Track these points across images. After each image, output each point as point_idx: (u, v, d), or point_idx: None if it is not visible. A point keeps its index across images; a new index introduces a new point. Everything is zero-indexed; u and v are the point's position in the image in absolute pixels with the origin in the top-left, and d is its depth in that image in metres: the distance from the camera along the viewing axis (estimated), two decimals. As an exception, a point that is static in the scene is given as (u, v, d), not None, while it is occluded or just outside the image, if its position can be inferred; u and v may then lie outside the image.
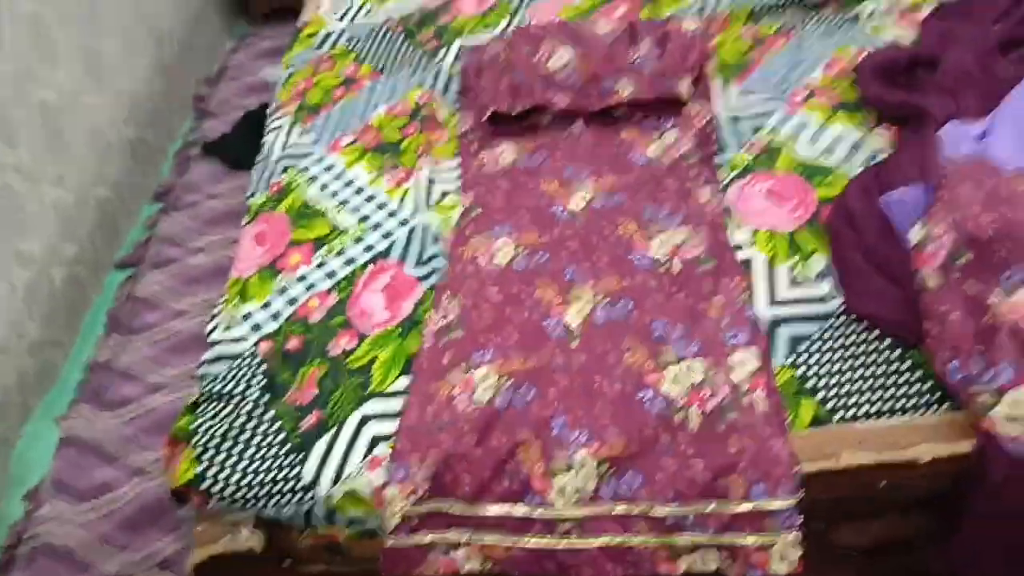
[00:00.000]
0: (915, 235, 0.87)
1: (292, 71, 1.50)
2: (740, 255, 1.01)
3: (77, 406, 1.58)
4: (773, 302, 0.96)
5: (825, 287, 0.96)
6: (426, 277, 1.04)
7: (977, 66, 1.18)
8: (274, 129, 1.36)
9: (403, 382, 0.93)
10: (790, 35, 1.35)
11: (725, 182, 1.12)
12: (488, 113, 1.22)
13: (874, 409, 0.86)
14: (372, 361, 0.95)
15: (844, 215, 1.01)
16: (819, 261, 0.99)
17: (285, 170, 1.25)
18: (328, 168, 1.24)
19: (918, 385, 0.87)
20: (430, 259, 1.06)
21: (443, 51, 1.46)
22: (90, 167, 1.81)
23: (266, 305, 1.04)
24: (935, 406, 0.86)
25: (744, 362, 0.89)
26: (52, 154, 1.65)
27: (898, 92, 1.16)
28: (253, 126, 2.00)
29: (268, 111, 1.46)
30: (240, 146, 2.23)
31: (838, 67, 1.27)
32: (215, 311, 1.09)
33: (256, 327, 1.02)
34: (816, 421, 0.86)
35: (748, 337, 0.91)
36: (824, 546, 0.98)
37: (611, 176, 1.15)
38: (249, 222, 1.19)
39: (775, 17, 1.40)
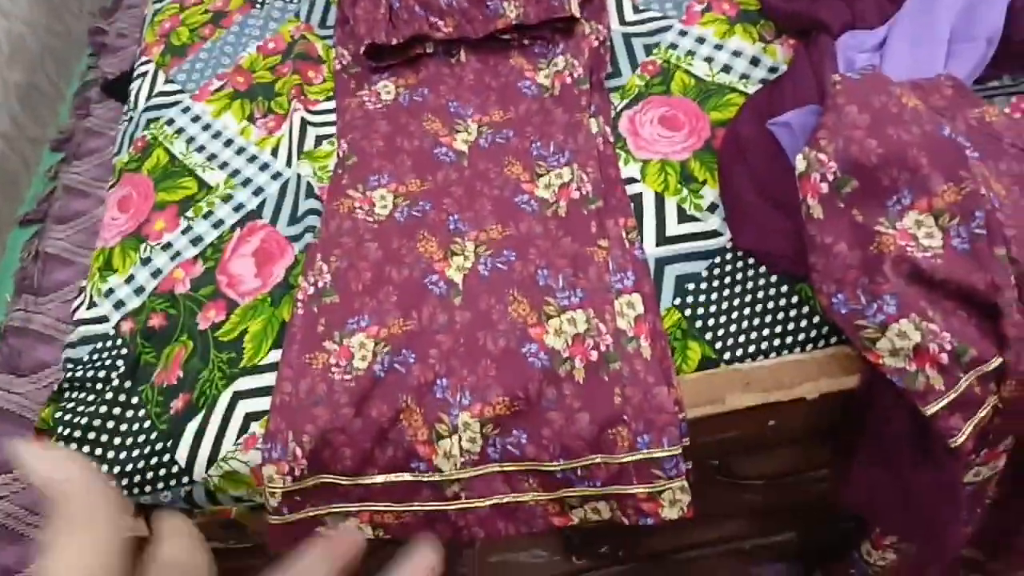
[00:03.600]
0: (800, 163, 0.83)
1: (158, 7, 1.36)
2: (630, 190, 0.96)
3: (-9, 375, 1.51)
4: (661, 241, 0.92)
5: (715, 221, 0.92)
6: (299, 237, 0.97)
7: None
8: (139, 76, 1.25)
9: (276, 355, 0.87)
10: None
11: (617, 109, 1.05)
12: (365, 46, 1.12)
13: (763, 347, 0.84)
14: (243, 334, 0.89)
15: (734, 142, 0.96)
16: (710, 193, 0.95)
17: (149, 124, 1.15)
18: (195, 119, 1.14)
19: (806, 321, 0.84)
20: (304, 216, 0.99)
21: (320, -24, 1.34)
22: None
23: (130, 279, 0.97)
24: (823, 341, 0.84)
25: (629, 307, 0.86)
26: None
27: (794, 1, 1.09)
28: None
29: (136, 54, 1.33)
30: (142, 83, 2.09)
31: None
32: (82, 284, 1.02)
33: (119, 304, 0.95)
34: (705, 363, 0.84)
35: (633, 281, 0.87)
36: (724, 478, 0.98)
37: (498, 110, 1.07)
38: (113, 185, 1.10)
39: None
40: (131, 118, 1.18)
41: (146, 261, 0.98)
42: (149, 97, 1.20)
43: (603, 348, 0.82)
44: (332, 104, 1.13)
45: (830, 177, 0.81)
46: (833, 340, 0.84)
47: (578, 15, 1.12)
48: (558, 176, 0.98)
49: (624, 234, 0.92)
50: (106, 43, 2.29)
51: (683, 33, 1.13)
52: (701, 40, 1.11)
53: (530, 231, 0.93)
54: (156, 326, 0.91)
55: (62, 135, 2.03)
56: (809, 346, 0.84)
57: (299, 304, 0.90)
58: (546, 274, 0.88)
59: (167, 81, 1.21)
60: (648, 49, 1.12)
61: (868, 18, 1.04)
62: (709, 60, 1.09)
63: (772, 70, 1.06)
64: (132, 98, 1.21)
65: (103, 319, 0.94)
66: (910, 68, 0.96)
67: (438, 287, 0.89)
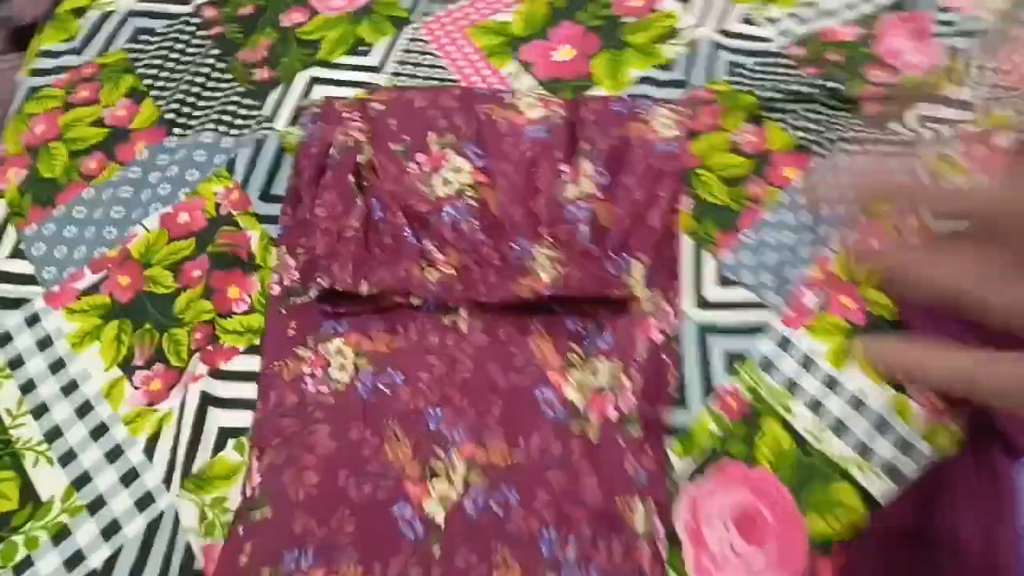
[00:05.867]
0: None
1: (35, 82, 0.93)
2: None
3: None
4: None
5: None
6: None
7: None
8: (-20, 217, 0.83)
9: None
10: (809, 159, 0.88)
11: (677, 482, 0.71)
12: (318, 290, 0.73)
13: None
14: None
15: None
16: None
17: (-25, 337, 0.75)
18: (43, 345, 0.74)
19: None
20: (172, 614, 0.63)
21: (275, 93, 0.92)
22: None
23: None
24: None
25: None
26: None
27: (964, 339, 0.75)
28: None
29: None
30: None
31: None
32: None
33: None
34: None
35: None
36: None
37: (499, 444, 0.71)
38: None
39: (790, 116, 0.91)
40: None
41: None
42: (-14, 275, 0.79)
43: None
44: (254, 362, 0.74)
45: None
46: None
47: (640, 295, 0.76)
48: (575, 617, 0.63)
49: None
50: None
51: (785, 343, 0.77)
52: (807, 364, 0.76)
53: None
54: None
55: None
56: None
57: None
58: None
59: (14, 252, 0.80)
60: (730, 364, 0.76)
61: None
62: (817, 407, 0.74)
63: (905, 446, 0.73)
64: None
65: None
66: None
67: None
